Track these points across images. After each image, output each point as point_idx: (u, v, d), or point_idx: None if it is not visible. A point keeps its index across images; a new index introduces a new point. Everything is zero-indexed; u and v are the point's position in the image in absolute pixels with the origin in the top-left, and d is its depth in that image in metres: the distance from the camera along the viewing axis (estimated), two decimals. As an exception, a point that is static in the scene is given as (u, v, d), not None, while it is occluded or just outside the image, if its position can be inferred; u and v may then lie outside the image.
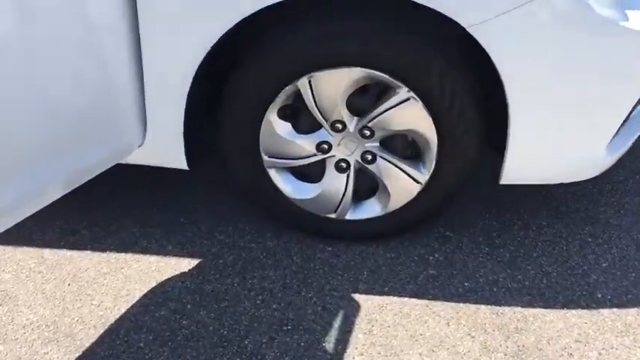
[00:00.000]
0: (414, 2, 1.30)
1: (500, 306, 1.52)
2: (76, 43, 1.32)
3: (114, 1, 1.36)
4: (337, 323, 1.47)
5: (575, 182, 1.88)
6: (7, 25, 1.15)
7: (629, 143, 1.60)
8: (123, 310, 1.51)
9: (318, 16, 1.41)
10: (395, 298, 1.55)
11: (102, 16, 1.37)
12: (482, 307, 1.52)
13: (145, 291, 1.57)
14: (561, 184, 1.97)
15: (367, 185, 1.67)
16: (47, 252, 1.69)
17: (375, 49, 1.40)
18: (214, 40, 1.38)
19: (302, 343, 1.41)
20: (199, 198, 1.93)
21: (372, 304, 1.53)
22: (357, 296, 1.55)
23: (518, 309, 1.51)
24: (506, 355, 1.37)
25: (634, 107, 1.48)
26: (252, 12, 1.32)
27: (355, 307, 1.52)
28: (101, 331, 1.44)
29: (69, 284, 1.59)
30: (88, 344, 1.41)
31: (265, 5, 1.31)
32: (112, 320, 1.47)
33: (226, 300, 1.53)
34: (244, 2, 1.32)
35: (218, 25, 1.36)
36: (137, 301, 1.54)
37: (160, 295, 1.56)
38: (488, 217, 1.85)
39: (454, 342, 1.41)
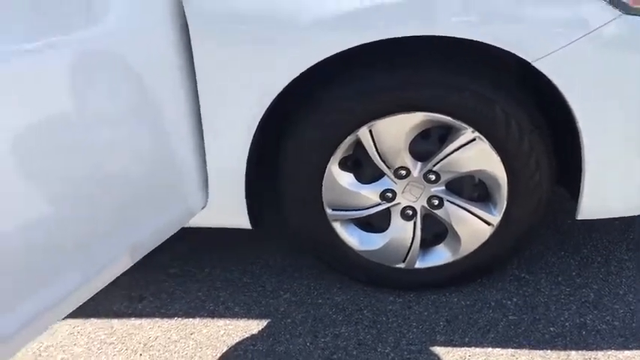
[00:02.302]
0: (475, 41, 1.28)
1: (592, 350, 1.42)
2: (134, 113, 1.34)
3: (173, 70, 1.38)
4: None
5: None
6: (67, 100, 1.17)
7: None
8: None
9: (377, 65, 1.39)
10: (477, 349, 1.47)
11: (161, 84, 1.39)
12: (573, 353, 1.42)
13: (217, 356, 1.53)
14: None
15: (435, 231, 1.61)
16: (116, 322, 1.68)
17: (438, 93, 1.37)
18: (272, 98, 1.37)
19: (384, 404, 1.34)
20: (261, 256, 1.90)
21: (454, 356, 1.45)
22: (436, 349, 1.48)
23: (612, 352, 1.41)
24: (608, 405, 1.27)
25: None
26: (309, 67, 1.32)
27: (429, 354, 1.45)
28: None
29: (140, 354, 1.56)
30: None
31: (324, 58, 1.30)
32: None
33: (300, 361, 1.48)
34: (301, 58, 1.32)
35: (275, 84, 1.35)
36: None
37: (232, 359, 1.51)
38: (564, 255, 1.76)
39: (547, 393, 1.32)
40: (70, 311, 1.25)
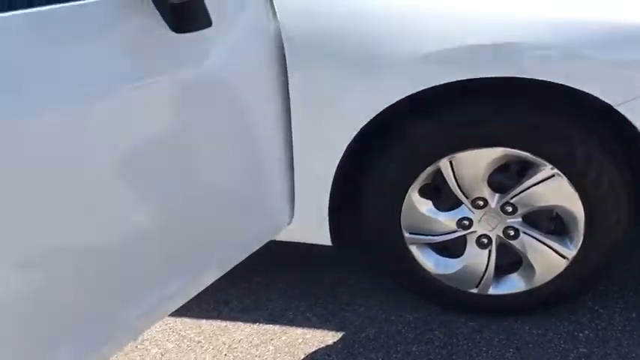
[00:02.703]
0: (558, 83, 1.32)
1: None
2: (230, 135, 1.46)
3: (268, 95, 1.50)
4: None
5: None
6: (171, 123, 1.30)
7: None
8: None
9: (462, 101, 1.46)
10: (545, 379, 1.51)
11: (256, 108, 1.51)
12: (643, 392, 1.44)
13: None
14: None
15: (510, 259, 1.66)
16: (204, 322, 1.83)
17: (520, 130, 1.42)
18: (362, 125, 1.46)
19: None
20: (339, 271, 2.00)
21: (522, 384, 1.50)
22: (504, 375, 1.53)
23: (685, 394, 1.42)
24: None
25: None
26: (399, 99, 1.40)
27: (503, 387, 1.50)
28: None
29: (225, 354, 1.71)
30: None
31: (414, 92, 1.38)
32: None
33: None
34: (393, 90, 1.41)
35: (365, 112, 1.45)
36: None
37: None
38: (640, 291, 1.76)
39: None
40: (171, 311, 1.41)
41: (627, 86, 1.32)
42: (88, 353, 1.22)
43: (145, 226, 1.29)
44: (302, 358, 1.67)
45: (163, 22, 1.19)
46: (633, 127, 1.35)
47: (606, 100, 1.32)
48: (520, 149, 1.45)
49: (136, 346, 1.75)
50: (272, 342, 1.74)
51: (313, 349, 1.69)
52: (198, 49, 1.32)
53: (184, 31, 1.21)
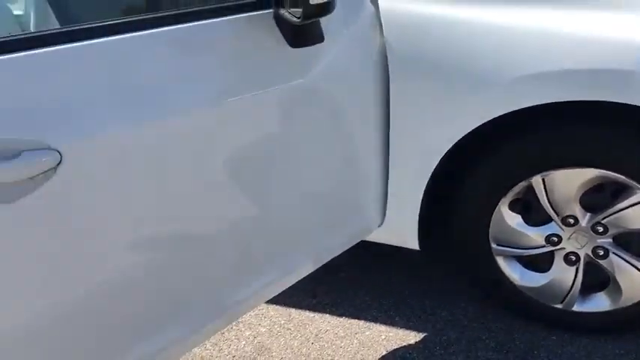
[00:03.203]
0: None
1: None
2: (332, 137, 1.57)
3: (369, 98, 1.57)
4: (563, 417, 1.49)
5: None
6: (279, 125, 1.42)
7: None
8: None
9: (558, 122, 1.50)
10: (626, 400, 1.52)
11: (357, 111, 1.60)
12: None
13: (377, 357, 1.75)
14: None
15: (598, 278, 1.67)
16: (293, 311, 1.96)
17: (617, 154, 1.44)
18: (457, 139, 1.53)
19: None
20: (424, 275, 2.08)
21: (601, 401, 1.52)
22: (584, 391, 1.56)
23: None
24: None
25: None
26: (500, 115, 1.46)
27: (582, 403, 1.53)
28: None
29: (312, 343, 1.83)
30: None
31: (512, 110, 1.44)
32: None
33: (451, 377, 1.65)
34: (492, 107, 1.46)
35: (463, 127, 1.51)
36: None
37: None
38: None
39: None
40: (267, 299, 1.54)
41: None
42: (194, 331, 1.37)
43: (250, 222, 1.42)
44: (384, 354, 1.76)
45: (281, 38, 1.31)
46: None
47: None
48: (615, 172, 1.46)
49: (232, 328, 1.90)
50: (356, 336, 1.84)
51: (395, 347, 1.78)
52: (310, 61, 1.43)
53: (300, 47, 1.33)
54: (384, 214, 1.76)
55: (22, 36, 1.08)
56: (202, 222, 1.31)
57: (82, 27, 1.07)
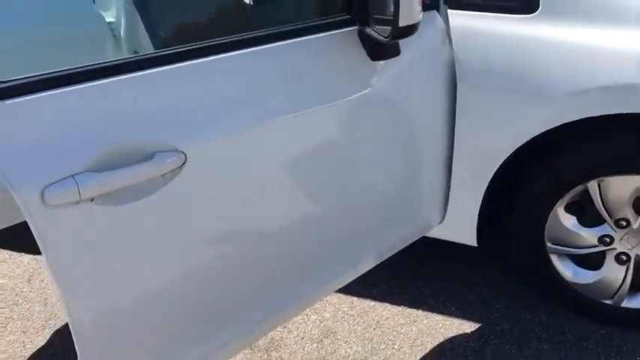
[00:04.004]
0: None
1: None
2: (400, 140, 1.71)
3: (438, 104, 1.69)
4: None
5: None
6: (357, 128, 1.57)
7: None
8: (418, 357, 1.85)
9: (616, 129, 1.61)
10: (672, 390, 1.64)
11: (426, 116, 1.72)
12: None
13: (435, 344, 1.90)
14: None
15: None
16: (355, 299, 2.12)
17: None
18: (520, 144, 1.65)
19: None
20: (479, 270, 2.21)
21: (648, 391, 1.64)
22: (631, 381, 1.68)
23: None
24: None
25: None
26: (564, 122, 1.58)
27: (630, 392, 1.65)
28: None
29: (374, 329, 1.99)
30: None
31: (578, 119, 1.56)
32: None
33: (503, 364, 1.79)
34: (550, 117, 1.59)
35: (524, 133, 1.63)
36: (429, 352, 1.87)
37: (449, 350, 1.87)
38: None
39: None
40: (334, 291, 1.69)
41: None
42: (270, 316, 1.54)
43: (325, 220, 1.57)
44: (441, 341, 1.91)
45: (363, 51, 1.47)
46: None
47: None
48: (667, 179, 1.58)
49: (296, 313, 2.07)
50: (415, 324, 1.99)
51: (452, 335, 1.93)
52: (386, 72, 1.58)
53: (380, 60, 1.48)
54: (444, 212, 1.89)
55: (154, 54, 1.26)
56: (285, 219, 1.47)
57: (201, 45, 1.24)
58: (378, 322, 2.02)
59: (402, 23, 1.25)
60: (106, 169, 1.07)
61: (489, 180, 1.76)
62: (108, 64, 1.13)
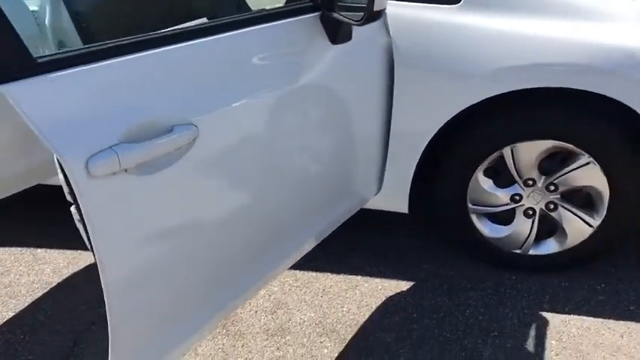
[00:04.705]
0: (599, 93, 1.80)
1: (663, 325, 1.94)
2: (342, 116, 1.86)
3: (377, 85, 1.89)
4: (533, 332, 1.93)
5: None
6: (296, 116, 1.70)
7: None
8: (367, 316, 2.05)
9: (524, 104, 1.93)
10: (575, 316, 2.00)
11: (366, 96, 1.91)
12: (648, 325, 1.94)
13: (379, 303, 2.11)
14: None
15: (547, 228, 2.14)
16: (299, 272, 2.27)
17: (568, 128, 1.90)
18: (449, 117, 1.91)
19: (508, 345, 1.88)
20: (404, 238, 2.47)
21: (558, 320, 1.98)
22: (544, 314, 2.01)
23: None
24: (675, 360, 1.79)
25: None
26: (479, 100, 1.86)
27: (544, 322, 1.98)
28: (355, 330, 1.98)
29: (321, 296, 2.15)
30: (349, 337, 1.95)
31: (492, 95, 1.84)
32: (361, 322, 2.01)
33: (442, 312, 2.04)
34: (474, 93, 1.86)
35: (451, 109, 1.90)
36: (375, 310, 2.07)
37: (392, 306, 2.09)
38: (643, 256, 2.28)
39: (629, 350, 1.84)
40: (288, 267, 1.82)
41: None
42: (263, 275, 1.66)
43: (280, 196, 1.69)
44: (383, 299, 2.13)
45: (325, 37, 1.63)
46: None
47: (632, 107, 1.80)
48: (566, 142, 1.92)
49: (246, 289, 2.18)
50: (357, 288, 2.19)
51: (391, 294, 2.15)
52: (342, 57, 1.75)
53: (339, 43, 1.65)
54: (381, 184, 2.11)
55: (163, 34, 1.30)
56: (275, 186, 1.61)
57: (206, 25, 1.34)
58: (323, 290, 2.19)
59: (376, 8, 1.44)
60: (136, 141, 1.13)
61: (421, 153, 2.00)
62: (137, 39, 1.19)
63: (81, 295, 2.22)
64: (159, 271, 1.26)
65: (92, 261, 2.39)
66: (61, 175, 1.10)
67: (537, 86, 1.83)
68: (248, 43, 1.44)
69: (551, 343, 1.89)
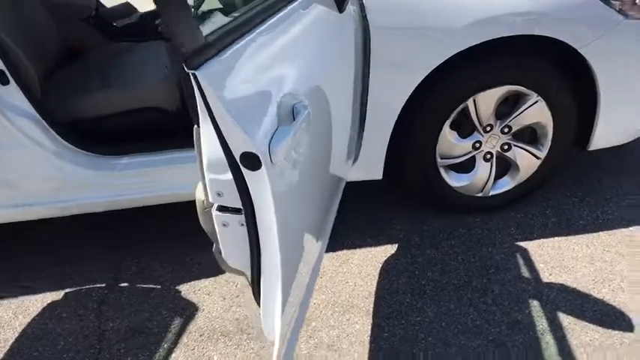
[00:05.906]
0: (545, 36, 2.01)
1: (610, 230, 2.27)
2: (349, 86, 1.84)
3: (357, 48, 1.91)
4: (521, 261, 2.13)
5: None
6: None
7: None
8: (374, 284, 2.07)
9: (482, 55, 2.07)
10: (544, 239, 2.24)
11: (356, 59, 1.89)
12: (601, 232, 2.26)
13: (378, 269, 2.14)
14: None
15: (501, 169, 2.35)
16: (285, 261, 2.19)
17: (520, 72, 2.09)
18: (423, 76, 1.98)
19: (509, 277, 2.05)
20: (370, 201, 2.51)
21: (534, 245, 2.21)
22: (520, 243, 2.23)
23: (625, 230, 2.27)
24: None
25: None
26: (449, 57, 1.96)
27: (524, 250, 2.19)
28: (372, 300, 2.00)
29: (321, 277, 2.11)
30: (371, 308, 1.96)
31: (458, 50, 1.95)
32: (372, 291, 2.03)
33: (437, 263, 2.15)
34: (446, 48, 1.96)
35: (422, 69, 1.98)
36: (379, 277, 2.10)
37: (391, 269, 2.13)
38: (572, 182, 2.62)
39: (601, 255, 2.13)
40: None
41: (586, 35, 2.06)
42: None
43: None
44: (381, 265, 2.16)
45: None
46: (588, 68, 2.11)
47: (573, 45, 2.06)
48: (518, 85, 2.13)
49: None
50: (350, 262, 2.19)
51: (384, 258, 2.20)
52: (346, 24, 1.73)
53: (342, 12, 1.64)
54: (357, 154, 2.12)
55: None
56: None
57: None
58: (322, 272, 2.15)
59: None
60: (284, 123, 1.02)
61: (397, 116, 2.06)
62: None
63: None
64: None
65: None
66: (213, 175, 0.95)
67: (494, 37, 1.99)
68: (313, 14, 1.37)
69: (539, 266, 2.10)
